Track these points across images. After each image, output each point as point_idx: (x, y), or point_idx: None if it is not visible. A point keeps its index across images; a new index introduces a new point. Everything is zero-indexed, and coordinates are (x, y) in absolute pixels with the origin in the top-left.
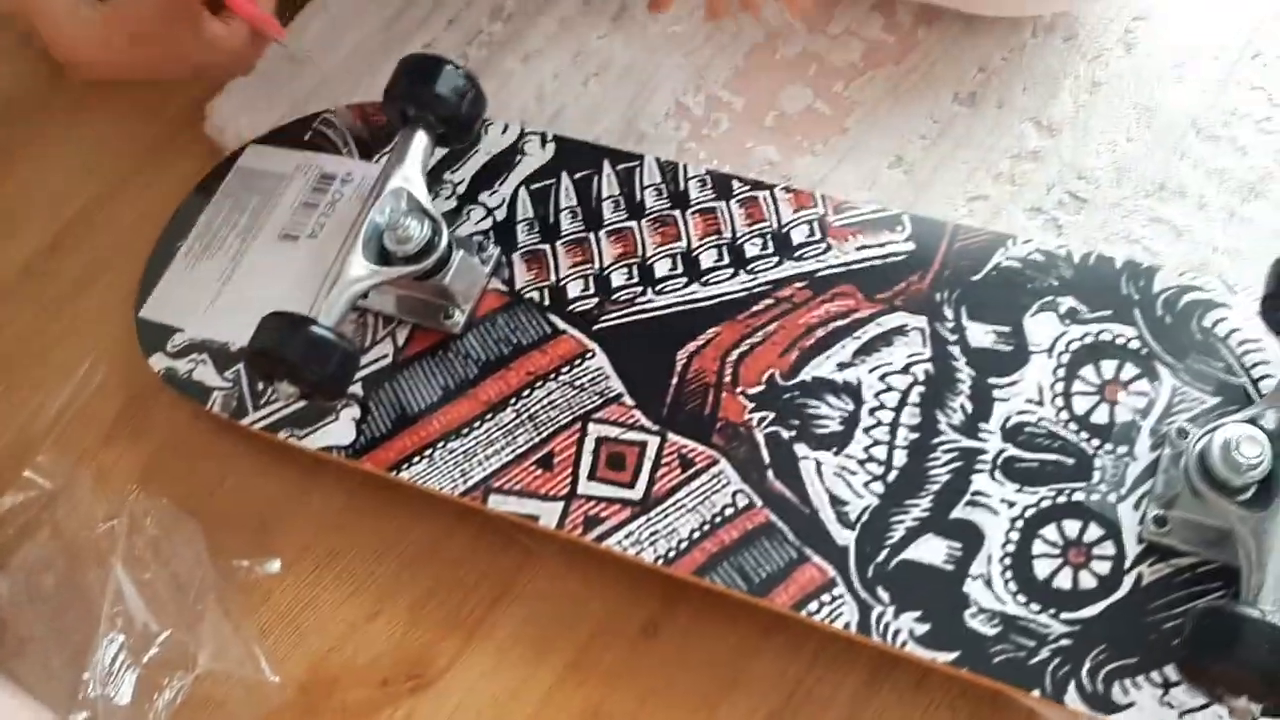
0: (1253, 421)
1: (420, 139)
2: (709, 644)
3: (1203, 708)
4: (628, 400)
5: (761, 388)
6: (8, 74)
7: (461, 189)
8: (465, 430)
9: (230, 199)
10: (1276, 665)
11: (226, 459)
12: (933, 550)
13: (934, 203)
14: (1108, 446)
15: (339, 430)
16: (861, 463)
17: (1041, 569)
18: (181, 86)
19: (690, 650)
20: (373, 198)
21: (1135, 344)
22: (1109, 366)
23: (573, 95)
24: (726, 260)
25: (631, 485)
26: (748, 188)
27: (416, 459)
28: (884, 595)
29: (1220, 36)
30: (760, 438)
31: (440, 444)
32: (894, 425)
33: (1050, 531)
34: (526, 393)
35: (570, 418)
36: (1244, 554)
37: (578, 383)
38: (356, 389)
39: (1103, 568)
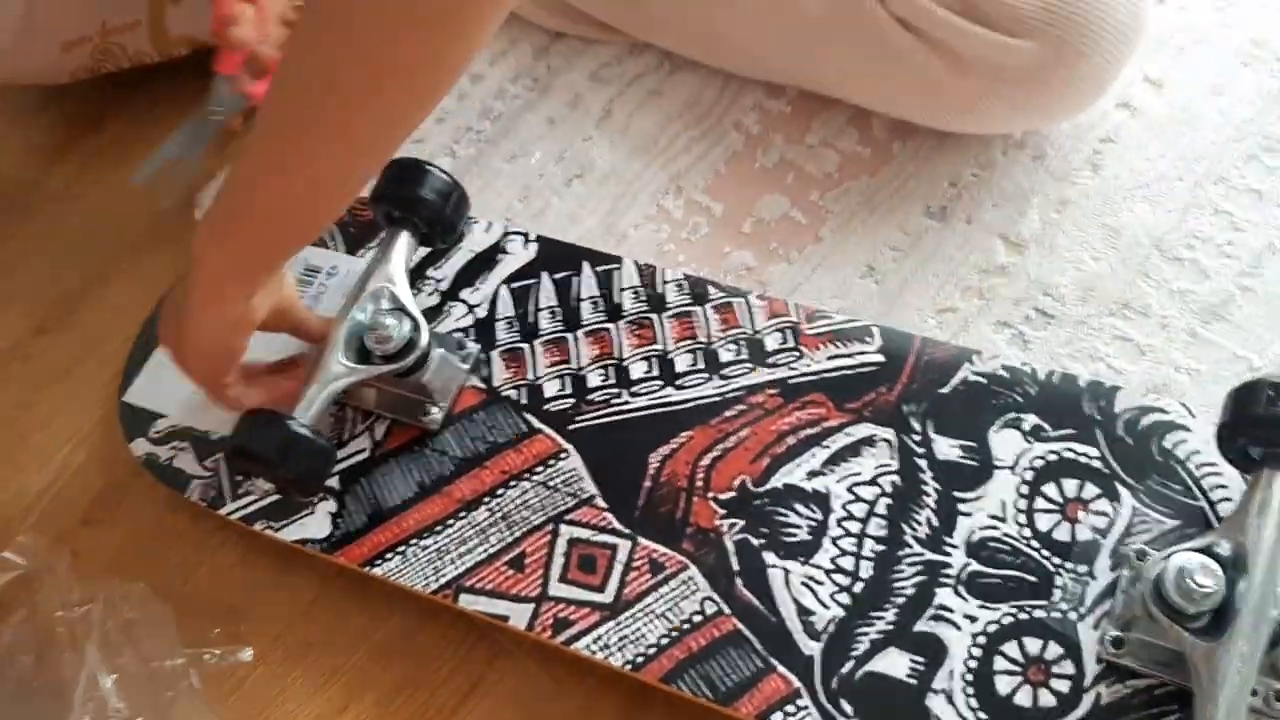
0: (1208, 550)
1: (404, 240)
2: None
3: None
4: (600, 502)
5: (733, 493)
6: (1, 157)
7: (444, 285)
8: (439, 528)
9: None
10: None
11: (202, 546)
12: (896, 663)
13: (904, 313)
14: (1069, 565)
15: (315, 524)
16: (828, 573)
17: (1003, 685)
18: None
19: None
20: (354, 295)
21: (1097, 464)
22: (1071, 485)
23: (556, 195)
24: (701, 364)
25: (602, 589)
26: (724, 294)
27: (390, 555)
28: (847, 708)
29: (1185, 161)
30: (730, 544)
31: (414, 541)
32: (861, 536)
33: (1011, 648)
34: (501, 491)
35: (543, 518)
36: (1196, 682)
37: (551, 483)
38: (334, 483)
39: (1062, 686)
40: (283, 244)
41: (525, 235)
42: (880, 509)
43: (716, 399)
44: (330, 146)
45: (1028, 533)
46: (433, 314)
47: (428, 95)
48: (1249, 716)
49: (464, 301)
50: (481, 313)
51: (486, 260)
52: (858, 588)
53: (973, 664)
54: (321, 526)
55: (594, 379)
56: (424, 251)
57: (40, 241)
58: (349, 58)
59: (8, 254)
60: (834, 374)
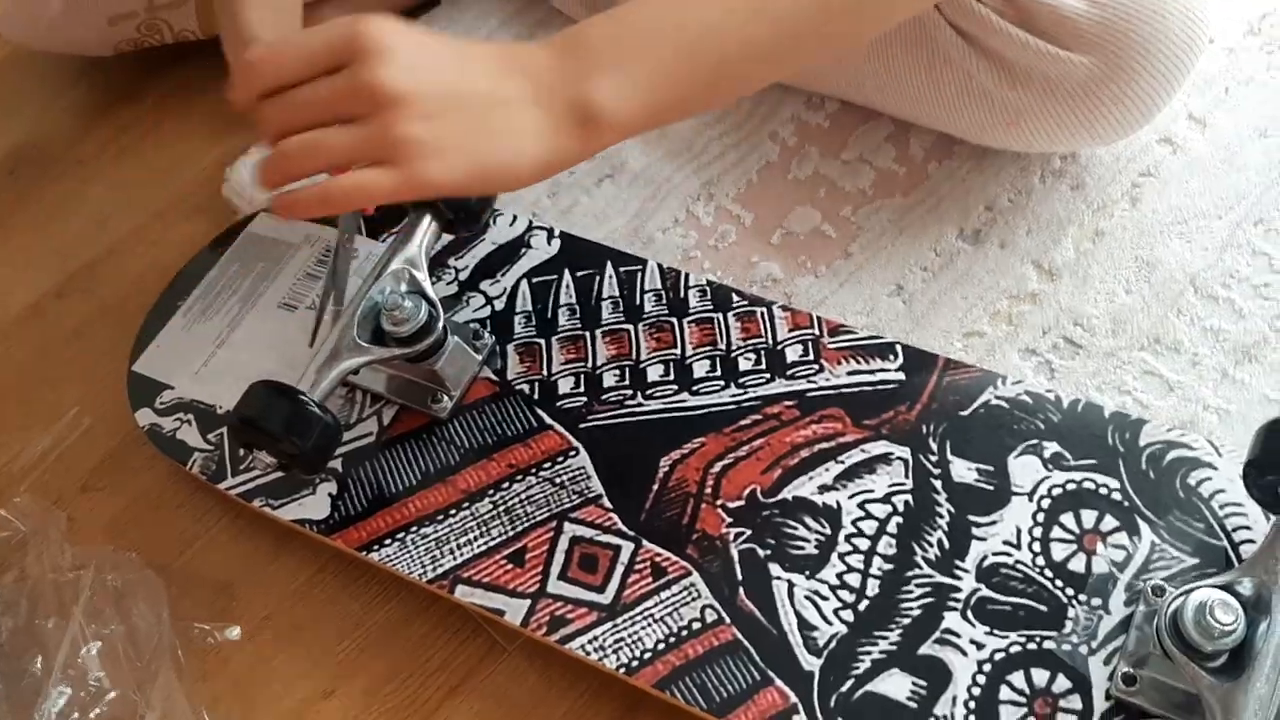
0: (1229, 588)
1: (427, 224)
2: None
3: None
4: (606, 502)
5: (741, 503)
6: (39, 120)
7: (464, 275)
8: (440, 517)
9: (236, 263)
10: None
11: (199, 520)
12: (897, 686)
13: (930, 335)
14: (1082, 597)
15: (314, 504)
16: (834, 589)
17: (1007, 716)
18: (204, 146)
19: None
20: (373, 276)
21: (1117, 495)
22: (1089, 516)
23: (586, 193)
24: (719, 372)
25: (602, 589)
26: (746, 302)
27: (389, 541)
28: None
29: (1226, 200)
30: (735, 553)
31: (414, 528)
32: (869, 554)
33: (1018, 678)
34: (506, 485)
35: (547, 515)
36: None
37: (558, 480)
38: (336, 465)
39: None
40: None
41: (550, 231)
42: (891, 528)
43: (732, 407)
44: None
45: (1041, 561)
46: (451, 303)
47: None
48: None
49: (483, 293)
50: (500, 305)
51: (509, 253)
52: (863, 605)
53: (976, 691)
54: (321, 507)
55: (609, 379)
56: (447, 239)
57: (69, 204)
58: None
59: (38, 214)
60: (853, 389)
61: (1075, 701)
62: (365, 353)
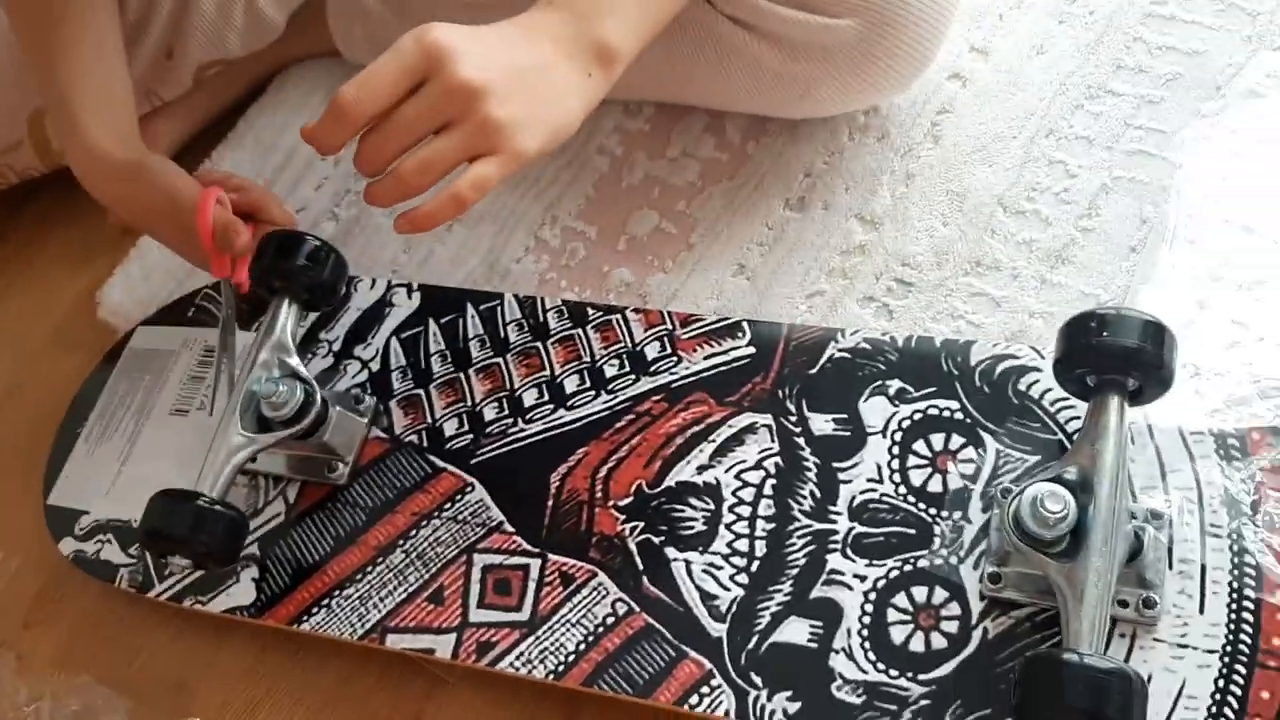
0: (1058, 479)
1: (287, 308)
2: None
3: None
4: (508, 527)
5: (630, 499)
6: None
7: (337, 346)
8: (359, 576)
9: (124, 380)
10: (1096, 705)
11: (140, 630)
12: (797, 631)
13: (776, 303)
14: (944, 514)
15: (240, 591)
16: (726, 558)
17: (897, 635)
18: (70, 278)
19: None
20: (246, 369)
21: (959, 415)
22: (938, 439)
23: (439, 242)
24: (588, 383)
25: (519, 608)
26: (601, 313)
27: (315, 610)
28: (757, 680)
29: (1017, 120)
30: (633, 546)
31: (336, 592)
32: (752, 518)
33: (901, 599)
34: (413, 532)
35: (456, 551)
36: (1061, 600)
37: (460, 517)
38: (254, 549)
39: (951, 627)
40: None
41: (408, 286)
42: (767, 490)
43: (606, 413)
44: None
45: (903, 490)
46: (329, 375)
47: None
48: (1125, 627)
49: (358, 358)
50: (375, 366)
51: (374, 315)
52: (754, 567)
53: (867, 620)
54: (247, 593)
55: (489, 413)
56: (314, 316)
57: None
58: None
59: None
60: (711, 372)
61: (954, 608)
62: (253, 443)
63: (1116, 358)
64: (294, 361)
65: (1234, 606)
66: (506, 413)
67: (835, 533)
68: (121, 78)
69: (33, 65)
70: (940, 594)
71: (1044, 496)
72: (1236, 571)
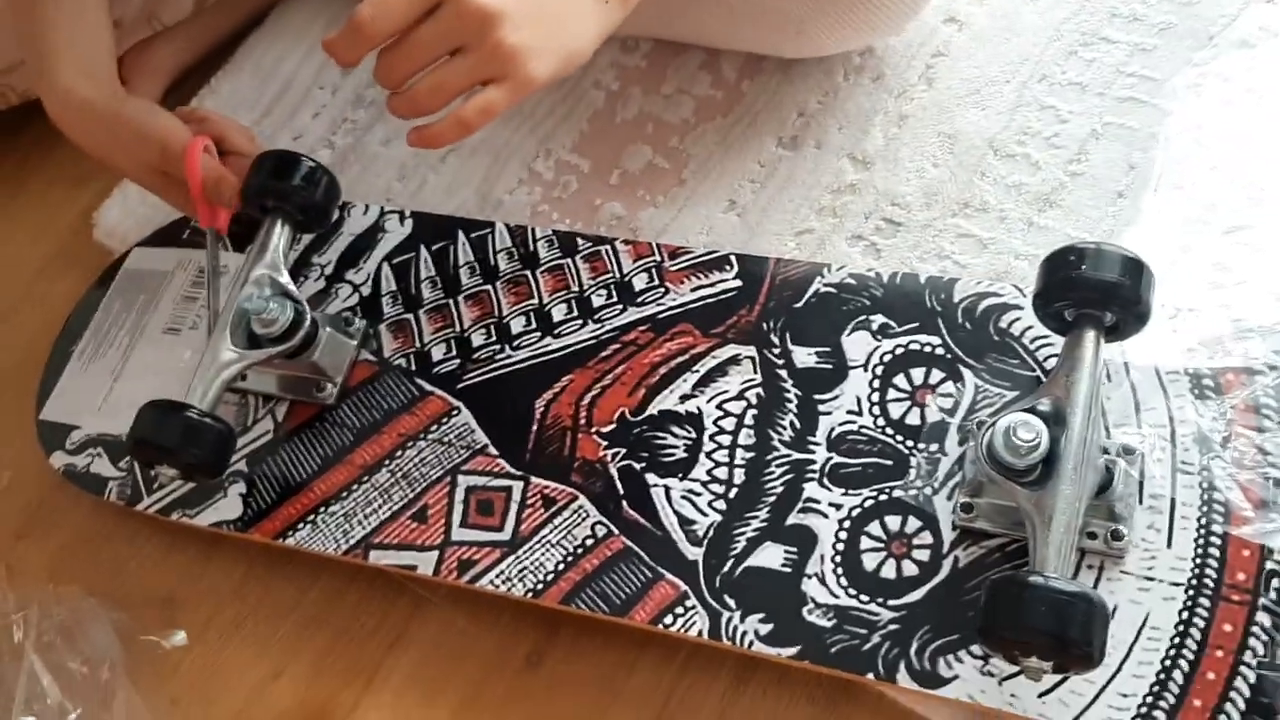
0: (1032, 409)
1: (279, 229)
2: (588, 666)
3: (1019, 673)
4: (492, 450)
5: (613, 426)
6: None
7: (329, 270)
8: (344, 494)
9: (119, 300)
10: (1058, 626)
11: (129, 543)
12: (772, 556)
13: (765, 240)
14: (921, 446)
15: (227, 506)
16: (705, 484)
17: (869, 562)
18: (67, 200)
19: (572, 674)
20: (238, 286)
21: (940, 350)
22: (918, 373)
23: (433, 171)
24: (576, 312)
25: (500, 528)
26: (591, 243)
27: (301, 525)
28: (731, 602)
29: (1011, 64)
30: (614, 472)
31: (322, 509)
32: (733, 447)
33: (875, 528)
34: (399, 453)
35: (440, 472)
36: (1030, 528)
37: (446, 439)
38: (242, 466)
39: (923, 555)
40: None
41: (401, 213)
42: (748, 420)
43: (592, 342)
44: None
45: (882, 422)
46: (320, 297)
47: None
48: (1094, 559)
49: (349, 282)
50: (366, 290)
51: (366, 241)
52: (733, 494)
53: (840, 546)
54: (234, 508)
55: (477, 339)
56: (307, 239)
57: None
58: None
59: None
60: (698, 304)
61: (927, 537)
62: (242, 358)
63: (1094, 291)
64: (285, 280)
65: (1201, 541)
66: (494, 339)
67: (813, 462)
68: (100, 19)
69: (9, 6)
70: (914, 523)
71: (1017, 425)
72: (1205, 507)
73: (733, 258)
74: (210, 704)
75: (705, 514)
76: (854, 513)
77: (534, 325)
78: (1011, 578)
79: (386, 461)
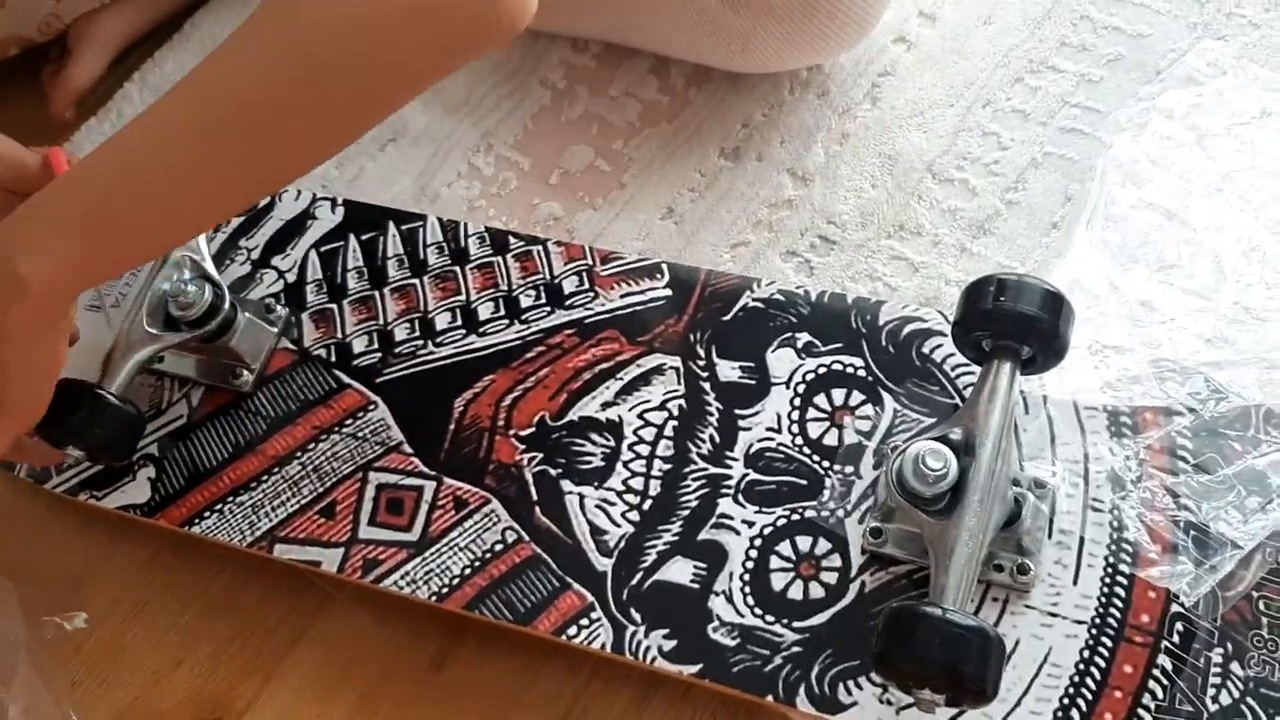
0: (943, 438)
1: None
2: (492, 672)
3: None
4: (407, 448)
5: (532, 429)
6: None
7: (255, 254)
8: (254, 484)
9: None
10: (951, 658)
11: (39, 523)
12: (681, 571)
13: (701, 250)
14: (836, 467)
15: (135, 489)
16: (620, 494)
17: (777, 582)
18: None
19: (475, 679)
20: (156, 267)
21: (862, 372)
22: (839, 394)
23: (371, 160)
24: (503, 311)
25: (409, 528)
26: (523, 243)
27: (208, 514)
28: (636, 616)
29: (956, 88)
30: (529, 476)
31: (230, 498)
32: (650, 458)
33: (785, 547)
34: (312, 446)
35: (352, 468)
36: (932, 557)
37: (360, 434)
38: (153, 449)
39: (831, 578)
40: (152, 250)
41: (333, 200)
42: (668, 431)
43: (517, 343)
44: (290, 151)
45: (800, 441)
46: (245, 282)
47: (398, 105)
48: (999, 592)
49: (275, 268)
50: (291, 277)
51: (296, 227)
52: (647, 505)
53: (750, 565)
54: (141, 492)
55: (400, 333)
56: (235, 222)
57: None
58: (335, 75)
59: None
60: (626, 311)
61: (836, 560)
62: (157, 340)
63: (1012, 323)
64: (206, 264)
65: (1107, 580)
66: (417, 334)
67: (730, 478)
68: None
69: None
70: (824, 545)
71: (926, 454)
72: (1114, 547)
73: (665, 266)
74: (109, 688)
75: (618, 524)
76: (766, 531)
77: (459, 322)
78: (908, 607)
79: (298, 453)
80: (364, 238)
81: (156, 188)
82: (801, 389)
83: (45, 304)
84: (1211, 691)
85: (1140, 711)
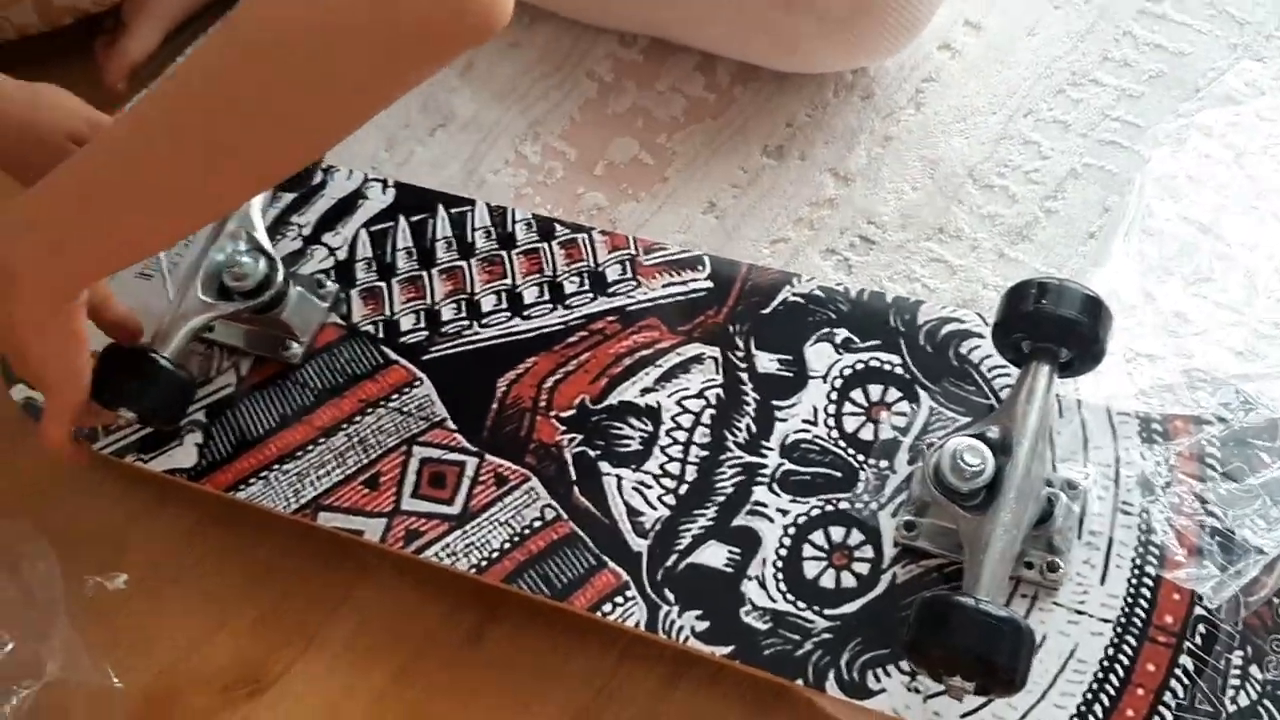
0: (980, 435)
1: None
2: (528, 648)
3: (943, 692)
4: (450, 424)
5: (572, 411)
6: None
7: (307, 231)
8: (299, 453)
9: None
10: (984, 647)
11: (85, 483)
12: (715, 555)
13: (741, 245)
14: (871, 461)
15: (182, 454)
16: (657, 478)
17: (810, 570)
18: None
19: (510, 654)
20: (212, 238)
21: (900, 370)
22: (876, 390)
23: (420, 144)
24: (547, 296)
25: (450, 502)
26: (568, 230)
27: (253, 480)
28: (670, 596)
29: (999, 96)
30: (569, 456)
31: (276, 466)
32: (687, 444)
33: (818, 537)
34: (358, 418)
35: (397, 440)
36: (967, 551)
37: (405, 409)
38: (201, 416)
39: (863, 569)
40: (140, 251)
41: (384, 181)
42: (705, 419)
43: (560, 327)
44: (264, 155)
45: (836, 434)
46: (296, 257)
47: (371, 114)
48: (1028, 588)
49: (325, 245)
50: (342, 255)
51: (347, 206)
52: (683, 490)
53: (783, 552)
54: (189, 456)
55: (447, 313)
56: (289, 198)
57: None
58: (297, 83)
59: None
60: (668, 300)
61: (868, 551)
62: (211, 309)
63: (1052, 326)
64: (260, 236)
65: (1134, 581)
66: (464, 314)
67: (765, 467)
68: None
69: None
70: (856, 536)
71: (964, 450)
72: (1141, 549)
73: (706, 258)
74: (148, 650)
75: (654, 507)
76: (800, 520)
77: (505, 305)
78: (943, 597)
79: (345, 425)
80: (414, 219)
81: (134, 188)
82: (839, 383)
83: (39, 298)
84: (1230, 693)
85: (1161, 709)
